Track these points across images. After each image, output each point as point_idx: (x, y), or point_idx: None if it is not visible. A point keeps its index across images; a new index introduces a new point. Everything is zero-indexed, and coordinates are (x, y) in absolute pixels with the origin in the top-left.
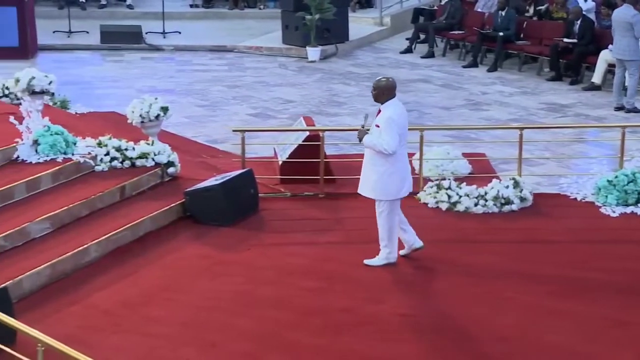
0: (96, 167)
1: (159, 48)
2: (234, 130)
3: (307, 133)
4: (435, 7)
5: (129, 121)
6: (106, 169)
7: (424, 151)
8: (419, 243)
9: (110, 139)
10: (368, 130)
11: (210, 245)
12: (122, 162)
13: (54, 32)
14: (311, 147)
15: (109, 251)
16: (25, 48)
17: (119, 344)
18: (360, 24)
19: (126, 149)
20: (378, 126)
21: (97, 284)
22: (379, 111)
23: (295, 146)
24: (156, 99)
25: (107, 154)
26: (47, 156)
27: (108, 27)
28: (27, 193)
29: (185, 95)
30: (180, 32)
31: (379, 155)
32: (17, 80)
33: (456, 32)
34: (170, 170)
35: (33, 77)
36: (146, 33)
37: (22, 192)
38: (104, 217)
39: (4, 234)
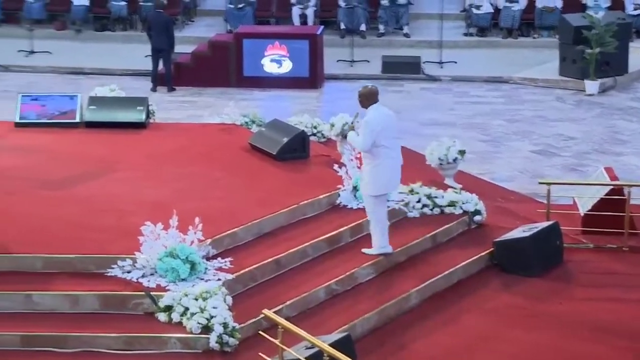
0: (409, 214)
1: (437, 78)
2: (540, 183)
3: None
4: None
5: (427, 162)
6: (417, 215)
7: None
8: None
9: (420, 186)
10: (353, 127)
11: (521, 295)
12: (432, 209)
13: (337, 61)
14: (615, 200)
15: (426, 297)
16: (314, 78)
17: None
18: (638, 54)
19: (436, 197)
20: None
21: (420, 330)
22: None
23: (598, 199)
24: (454, 142)
25: (419, 201)
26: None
27: (389, 58)
28: (351, 238)
29: (466, 129)
30: (456, 62)
31: (365, 154)
32: (332, 125)
33: None
34: (477, 218)
35: (346, 123)
36: (424, 62)
37: (347, 237)
38: (419, 264)
39: (336, 279)
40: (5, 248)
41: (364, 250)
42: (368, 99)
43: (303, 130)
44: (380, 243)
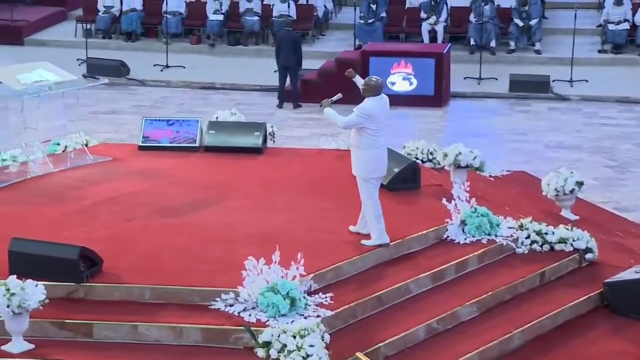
0: (517, 250)
1: (566, 98)
2: None
3: None
4: None
5: (543, 193)
6: (526, 251)
7: None
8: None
9: (531, 222)
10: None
11: (631, 340)
12: (541, 246)
13: (464, 78)
14: None
15: (530, 339)
16: (439, 97)
17: None
18: None
19: (546, 233)
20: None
21: None
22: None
23: None
24: (571, 173)
25: (528, 237)
26: (473, 237)
27: (517, 76)
28: (455, 274)
29: (592, 153)
30: (587, 81)
31: (358, 139)
32: (445, 155)
33: None
34: (588, 256)
35: (459, 153)
36: (553, 81)
37: (452, 273)
38: (525, 303)
39: (437, 317)
40: (118, 277)
41: (362, 242)
42: (371, 91)
43: (414, 161)
44: (377, 233)
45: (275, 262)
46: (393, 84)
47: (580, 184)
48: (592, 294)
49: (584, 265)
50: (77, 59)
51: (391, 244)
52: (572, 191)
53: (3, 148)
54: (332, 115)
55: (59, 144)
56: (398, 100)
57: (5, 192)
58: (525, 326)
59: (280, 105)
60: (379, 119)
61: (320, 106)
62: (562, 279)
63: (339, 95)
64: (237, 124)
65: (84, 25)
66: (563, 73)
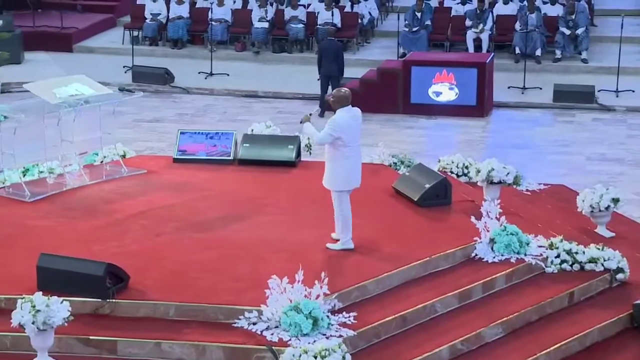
0: (546, 269)
1: (611, 109)
2: None
3: None
4: None
5: (578, 209)
6: (556, 271)
7: None
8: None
9: (561, 240)
10: (309, 118)
11: None
12: (571, 265)
13: (508, 87)
14: None
15: None
16: (481, 107)
17: None
18: None
19: (576, 253)
20: None
21: None
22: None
23: None
24: (607, 189)
25: (558, 256)
26: (502, 255)
27: (561, 87)
28: (482, 293)
29: (635, 166)
30: (633, 91)
31: (330, 151)
32: (478, 171)
33: None
34: (619, 276)
35: (492, 169)
36: (598, 91)
37: (479, 292)
38: (552, 324)
39: (462, 338)
40: (144, 294)
41: (327, 245)
42: (339, 102)
43: (445, 177)
44: (342, 239)
45: (299, 281)
46: (438, 94)
47: (616, 200)
48: (621, 315)
49: (614, 286)
50: (124, 66)
51: (419, 262)
52: (607, 208)
53: (40, 160)
54: (310, 131)
55: (97, 154)
56: (440, 110)
57: (42, 205)
58: (551, 348)
59: (321, 114)
60: (350, 130)
61: (300, 122)
62: (592, 300)
63: (317, 110)
64: (271, 137)
65: (132, 32)
66: (610, 82)
